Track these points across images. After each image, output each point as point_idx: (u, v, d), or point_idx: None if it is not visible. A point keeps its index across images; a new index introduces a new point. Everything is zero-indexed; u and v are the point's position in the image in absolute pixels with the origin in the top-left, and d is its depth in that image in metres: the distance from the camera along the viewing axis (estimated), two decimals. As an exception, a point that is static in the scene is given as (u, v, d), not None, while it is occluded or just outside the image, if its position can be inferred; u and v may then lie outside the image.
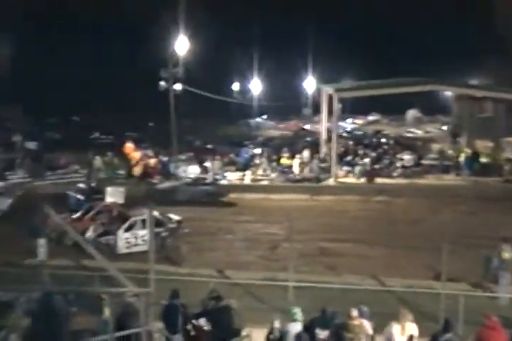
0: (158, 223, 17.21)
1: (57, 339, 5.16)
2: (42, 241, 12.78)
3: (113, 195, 19.97)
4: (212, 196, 24.12)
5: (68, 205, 22.22)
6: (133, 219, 17.57)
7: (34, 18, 54.21)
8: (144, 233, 17.21)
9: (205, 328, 8.99)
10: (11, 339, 6.31)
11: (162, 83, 27.84)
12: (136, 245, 17.20)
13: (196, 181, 25.09)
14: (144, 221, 17.39)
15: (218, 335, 8.61)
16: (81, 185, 23.81)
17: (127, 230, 17.29)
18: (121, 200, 19.83)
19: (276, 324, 9.07)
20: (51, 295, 7.18)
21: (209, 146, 40.48)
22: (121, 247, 17.07)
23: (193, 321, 8.83)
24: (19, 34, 54.66)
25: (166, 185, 25.28)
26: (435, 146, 36.13)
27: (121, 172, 28.55)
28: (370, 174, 27.03)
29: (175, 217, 19.19)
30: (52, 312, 6.52)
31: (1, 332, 6.21)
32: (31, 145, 38.47)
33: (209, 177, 25.98)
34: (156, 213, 17.18)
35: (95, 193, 21.99)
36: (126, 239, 17.14)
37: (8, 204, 21.68)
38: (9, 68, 46.75)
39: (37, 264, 13.27)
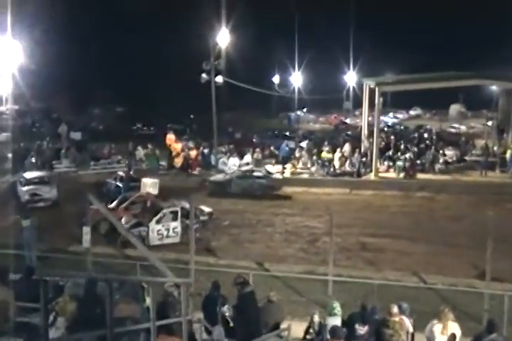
0: (189, 215, 17.43)
1: (101, 325, 5.28)
2: (86, 229, 13.04)
3: (148, 186, 20.18)
4: (266, 189, 24.00)
5: (107, 192, 22.89)
6: (164, 211, 17.71)
7: (77, 12, 55.15)
8: (175, 225, 17.43)
9: (227, 314, 8.94)
10: (59, 323, 6.49)
11: (204, 75, 27.95)
12: (168, 237, 17.37)
13: (249, 174, 24.76)
14: (173, 213, 17.62)
15: (243, 322, 8.43)
16: (120, 173, 24.34)
17: (158, 222, 17.45)
18: (155, 191, 20.03)
19: (316, 318, 9.06)
20: (95, 282, 7.37)
21: (252, 139, 40.61)
22: (154, 239, 17.22)
23: (217, 308, 8.75)
24: (66, 28, 55.96)
25: (219, 177, 25.19)
26: (479, 142, 35.21)
27: (163, 163, 28.87)
28: (410, 169, 26.54)
29: (206, 209, 19.33)
30: (97, 298, 6.70)
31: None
32: (76, 135, 39.37)
33: (262, 170, 25.50)
34: (187, 205, 17.34)
35: (133, 181, 22.50)
36: (158, 230, 17.30)
37: (56, 193, 22.07)
38: (54, 61, 47.86)
39: (82, 251, 13.57)
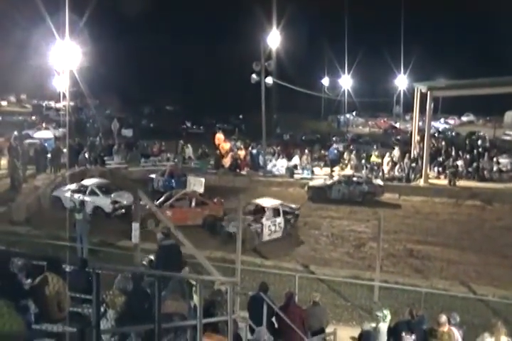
0: (286, 211, 18.44)
1: (149, 319, 5.35)
2: (136, 225, 13.26)
3: (193, 184, 20.37)
4: (367, 195, 23.55)
5: (155, 188, 23.78)
6: (269, 207, 18.24)
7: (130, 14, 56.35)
8: (279, 220, 18.10)
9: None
10: (109, 315, 6.62)
11: (254, 76, 28.02)
12: (275, 232, 17.95)
13: (349, 179, 24.01)
14: (275, 210, 18.24)
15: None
16: (167, 168, 25.06)
17: (267, 218, 17.93)
18: (200, 189, 20.20)
19: (366, 326, 8.90)
20: (143, 277, 7.49)
21: (300, 141, 40.54)
22: (265, 234, 17.77)
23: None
24: (121, 29, 57.34)
25: (319, 182, 24.74)
26: (537, 150, 33.96)
27: (211, 162, 29.08)
28: (457, 176, 25.74)
29: (293, 205, 19.82)
30: (145, 293, 6.82)
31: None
32: (127, 132, 40.18)
33: (363, 176, 24.86)
34: (279, 202, 18.55)
35: (184, 176, 22.92)
36: (269, 226, 17.84)
37: (132, 198, 19.35)
38: (108, 60, 49.09)
39: (130, 247, 13.81)
